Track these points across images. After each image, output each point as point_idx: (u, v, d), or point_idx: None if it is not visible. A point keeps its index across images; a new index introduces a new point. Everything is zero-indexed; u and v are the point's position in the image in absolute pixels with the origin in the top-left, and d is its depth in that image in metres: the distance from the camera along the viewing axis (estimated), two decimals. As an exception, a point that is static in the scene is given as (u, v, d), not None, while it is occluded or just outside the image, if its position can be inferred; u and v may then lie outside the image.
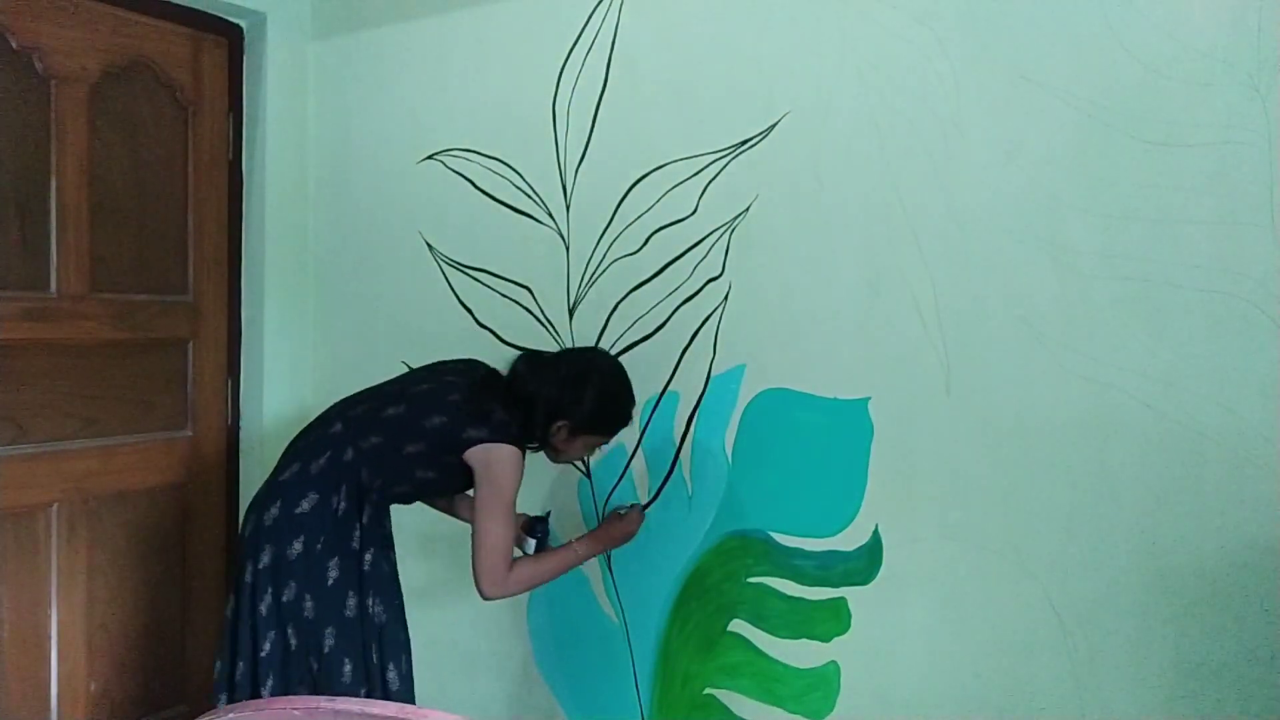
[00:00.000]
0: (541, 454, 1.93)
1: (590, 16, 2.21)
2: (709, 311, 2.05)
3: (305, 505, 1.75)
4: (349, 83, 2.70)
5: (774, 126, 1.95)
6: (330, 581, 1.76)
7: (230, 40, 2.69)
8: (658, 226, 2.11)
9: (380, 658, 1.84)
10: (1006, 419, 1.71)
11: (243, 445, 2.75)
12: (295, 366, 2.78)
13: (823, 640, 1.92)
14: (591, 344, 2.22)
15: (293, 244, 2.76)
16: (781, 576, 1.96)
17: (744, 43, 1.99)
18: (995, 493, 1.73)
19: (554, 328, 2.29)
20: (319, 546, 1.75)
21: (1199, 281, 1.54)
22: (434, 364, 1.99)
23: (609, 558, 2.20)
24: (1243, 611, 1.52)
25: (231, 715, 0.96)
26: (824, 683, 1.92)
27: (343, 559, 1.77)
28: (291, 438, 1.92)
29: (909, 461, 1.82)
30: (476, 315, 2.43)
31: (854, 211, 1.86)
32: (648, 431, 2.14)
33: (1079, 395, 1.64)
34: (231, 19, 2.68)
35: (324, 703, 0.95)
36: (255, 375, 2.72)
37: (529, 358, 1.90)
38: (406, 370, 1.98)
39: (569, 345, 2.26)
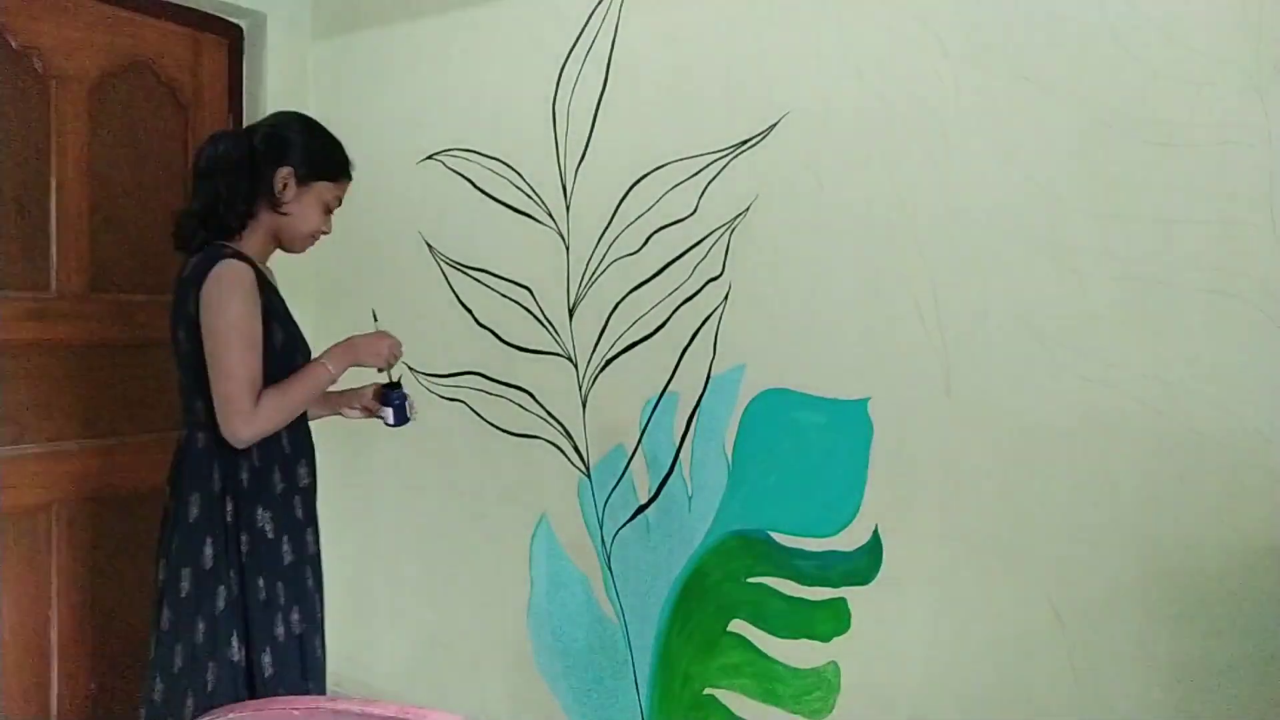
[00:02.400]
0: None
1: (590, 17, 2.21)
2: (709, 311, 2.05)
3: (195, 511, 1.69)
4: (349, 83, 2.70)
5: (774, 126, 1.96)
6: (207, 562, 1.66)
7: (230, 40, 2.69)
8: (658, 226, 2.11)
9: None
10: (1006, 419, 1.71)
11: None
12: (295, 366, 2.78)
13: (823, 640, 1.92)
14: (591, 345, 2.22)
15: (293, 244, 2.76)
16: (781, 576, 1.96)
17: (744, 43, 1.99)
18: (995, 493, 1.73)
19: (554, 328, 2.29)
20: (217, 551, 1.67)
21: (1199, 281, 1.54)
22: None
23: (609, 557, 2.20)
24: (1243, 611, 1.52)
25: (232, 715, 0.96)
26: (824, 683, 1.92)
27: (204, 498, 1.67)
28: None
29: (909, 461, 1.82)
30: (476, 315, 2.43)
31: (854, 211, 1.86)
32: (648, 431, 2.14)
33: (1079, 395, 1.64)
34: (231, 19, 2.68)
35: (324, 703, 0.95)
36: (255, 375, 2.72)
37: (205, 148, 1.69)
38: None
39: (569, 345, 2.26)
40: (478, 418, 2.44)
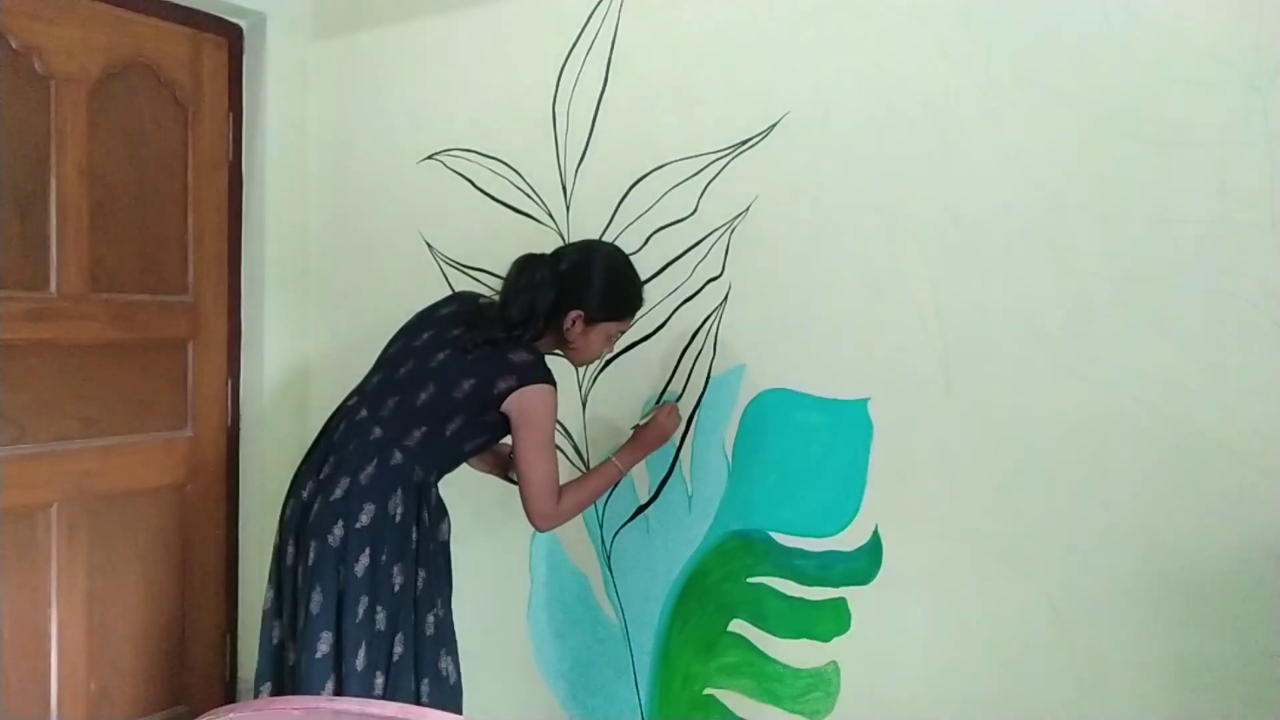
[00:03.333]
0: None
1: (590, 17, 2.21)
2: (709, 311, 2.05)
3: (364, 519, 1.72)
4: (349, 83, 2.70)
5: (774, 126, 1.96)
6: (396, 588, 1.75)
7: (230, 40, 2.69)
8: (658, 226, 2.11)
9: (436, 653, 1.83)
10: (1006, 419, 1.71)
11: (243, 445, 2.75)
12: (295, 366, 2.78)
13: (823, 640, 1.92)
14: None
15: (293, 244, 2.76)
16: (781, 576, 1.96)
17: (744, 43, 1.99)
18: (995, 493, 1.73)
19: (554, 328, 2.29)
20: (384, 557, 1.73)
21: (1199, 281, 1.54)
22: (425, 317, 1.91)
23: (609, 557, 2.20)
24: (1243, 611, 1.52)
25: (232, 715, 0.96)
26: (824, 683, 1.92)
27: (404, 564, 1.76)
28: (314, 436, 1.88)
29: (909, 461, 1.82)
30: (476, 315, 2.43)
31: (854, 211, 1.86)
32: (648, 431, 2.14)
33: (1079, 395, 1.64)
34: (231, 19, 2.68)
35: (324, 703, 0.96)
36: (255, 375, 2.72)
37: (520, 263, 1.84)
38: (404, 332, 1.91)
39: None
40: (478, 418, 2.44)
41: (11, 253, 2.24)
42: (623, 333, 1.94)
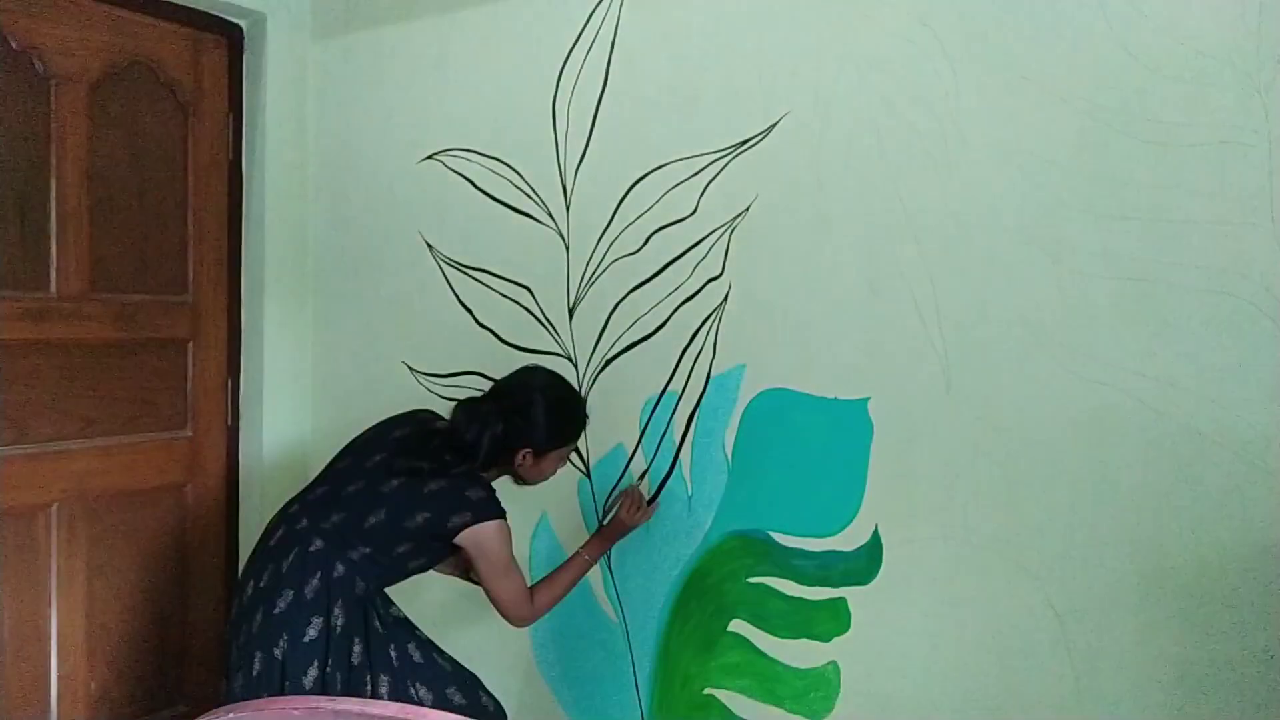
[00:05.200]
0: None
1: (590, 16, 2.21)
2: (709, 311, 2.05)
3: (312, 632, 1.74)
4: (349, 83, 2.70)
5: (774, 126, 1.95)
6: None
7: (230, 40, 2.69)
8: (658, 226, 2.11)
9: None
10: (1006, 419, 1.71)
11: (242, 445, 2.75)
12: (295, 366, 2.78)
13: (823, 640, 1.92)
14: (591, 345, 2.22)
15: (293, 244, 2.76)
16: (781, 576, 1.96)
17: (744, 43, 1.99)
18: (995, 493, 1.73)
19: (554, 328, 2.29)
20: (328, 669, 1.75)
21: (1199, 281, 1.54)
22: (376, 435, 1.92)
23: (609, 557, 2.20)
24: (1243, 611, 1.52)
25: (232, 715, 0.96)
26: (824, 683, 1.92)
27: (345, 673, 1.78)
28: (313, 435, 1.90)
29: (909, 461, 1.82)
30: (476, 315, 2.43)
31: (854, 211, 1.86)
32: (648, 431, 2.14)
33: (1079, 395, 1.64)
34: (231, 19, 2.68)
35: (324, 703, 0.95)
36: (255, 375, 2.72)
37: (464, 407, 1.87)
38: (354, 448, 1.92)
39: (569, 345, 2.26)
40: (478, 418, 2.44)
41: (11, 253, 2.24)
42: (574, 450, 2.03)
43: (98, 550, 2.42)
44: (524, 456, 1.88)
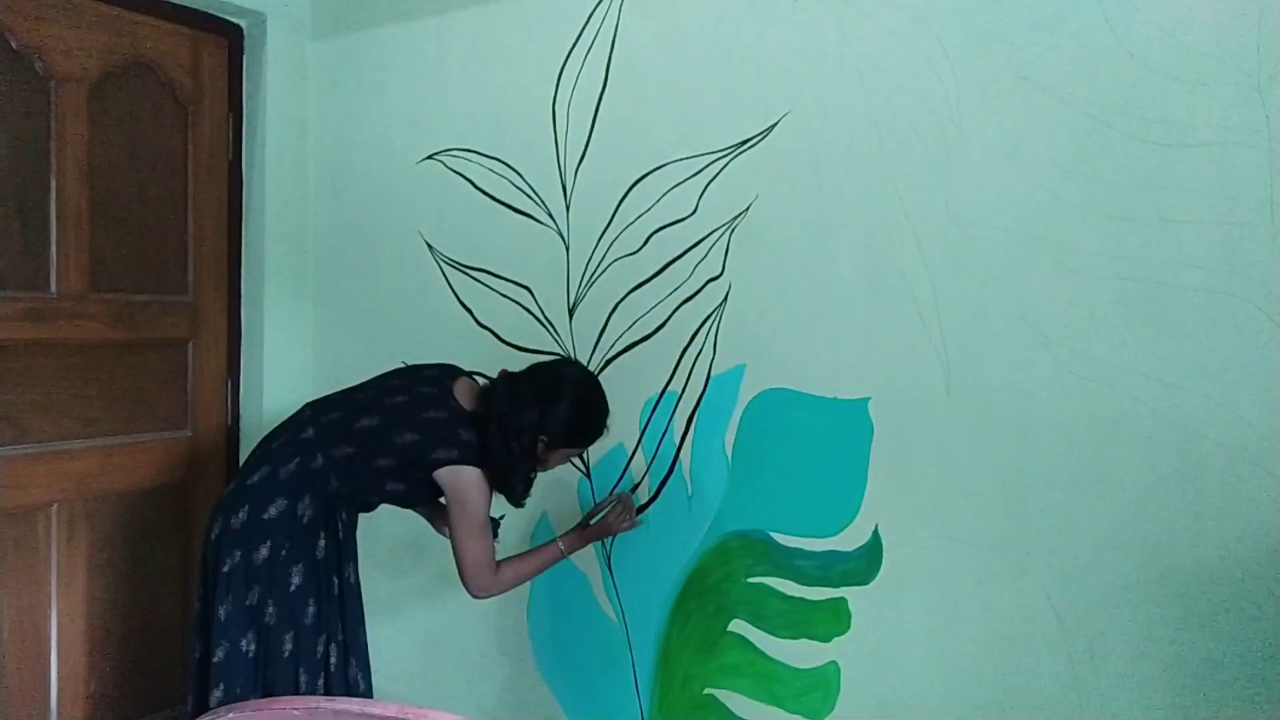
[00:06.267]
0: None
1: (590, 16, 2.21)
2: (709, 311, 2.05)
3: (273, 511, 1.77)
4: (349, 83, 2.70)
5: (774, 126, 1.96)
6: (292, 588, 1.78)
7: (230, 40, 2.69)
8: (658, 226, 2.11)
9: (342, 662, 1.87)
10: (1006, 419, 1.71)
11: (243, 445, 2.74)
12: (295, 366, 2.78)
13: (823, 640, 1.92)
14: (591, 345, 2.22)
15: (293, 244, 2.76)
16: (781, 576, 1.96)
17: (744, 43, 1.99)
18: (995, 493, 1.73)
19: (554, 328, 2.29)
20: (283, 553, 1.77)
21: (1199, 281, 1.54)
22: (411, 368, 1.99)
23: (609, 557, 2.20)
24: (1243, 611, 1.52)
25: (232, 715, 0.96)
26: (824, 683, 1.92)
27: (306, 566, 1.79)
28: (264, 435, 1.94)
29: (909, 461, 1.82)
30: (476, 315, 2.43)
31: (854, 211, 1.86)
32: (648, 431, 2.14)
33: (1079, 395, 1.64)
34: (231, 19, 2.68)
35: (324, 703, 0.95)
36: (255, 375, 2.72)
37: (509, 381, 1.86)
38: (385, 373, 1.98)
39: (569, 345, 2.26)
40: (478, 418, 2.44)
41: (11, 253, 2.24)
42: (580, 455, 2.03)
43: (98, 550, 2.42)
44: (540, 443, 1.85)
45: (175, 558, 2.61)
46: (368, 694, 1.95)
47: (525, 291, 2.34)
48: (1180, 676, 1.57)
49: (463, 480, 1.78)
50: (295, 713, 0.95)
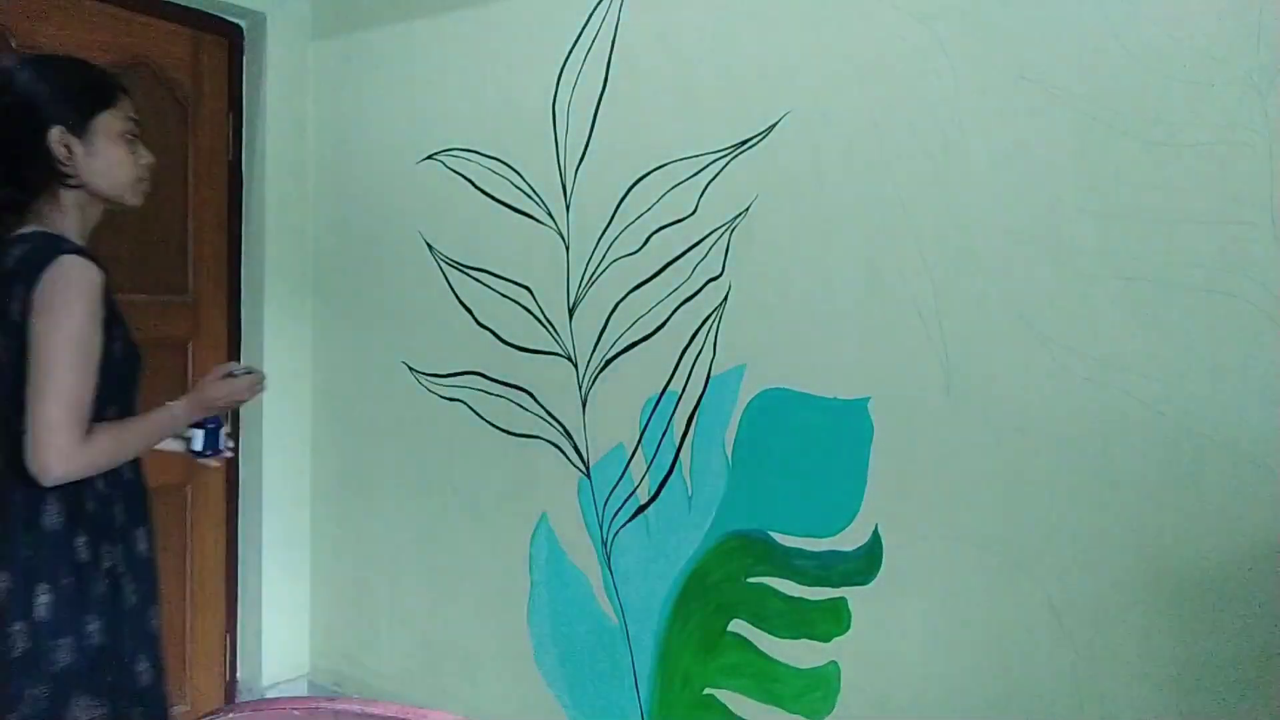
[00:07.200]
0: None
1: (590, 16, 2.21)
2: (709, 311, 2.05)
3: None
4: (349, 83, 2.70)
5: (774, 126, 1.96)
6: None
7: (230, 40, 2.69)
8: (658, 226, 2.11)
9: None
10: (1006, 419, 1.71)
11: (243, 445, 2.75)
12: (295, 366, 2.78)
13: (823, 640, 1.92)
14: (591, 345, 2.22)
15: (293, 244, 2.76)
16: (781, 576, 1.96)
17: (744, 43, 1.99)
18: (995, 493, 1.73)
19: (554, 328, 2.29)
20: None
21: (1199, 281, 1.54)
22: None
23: (609, 557, 2.20)
24: (1243, 611, 1.52)
25: (232, 715, 0.96)
26: (824, 683, 1.92)
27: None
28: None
29: (909, 461, 1.82)
30: (476, 315, 2.43)
31: (854, 211, 1.86)
32: (648, 431, 2.14)
33: (1079, 395, 1.64)
34: (231, 19, 2.68)
35: (324, 703, 0.96)
36: (255, 375, 2.72)
37: None
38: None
39: (569, 345, 2.26)
40: (478, 418, 2.44)
41: (11, 253, 2.24)
42: (133, 123, 1.53)
43: (98, 550, 2.41)
44: (60, 144, 1.39)
45: (175, 558, 2.60)
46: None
47: (525, 291, 2.34)
48: (1180, 676, 1.57)
49: (47, 282, 1.27)
50: (295, 713, 0.95)
